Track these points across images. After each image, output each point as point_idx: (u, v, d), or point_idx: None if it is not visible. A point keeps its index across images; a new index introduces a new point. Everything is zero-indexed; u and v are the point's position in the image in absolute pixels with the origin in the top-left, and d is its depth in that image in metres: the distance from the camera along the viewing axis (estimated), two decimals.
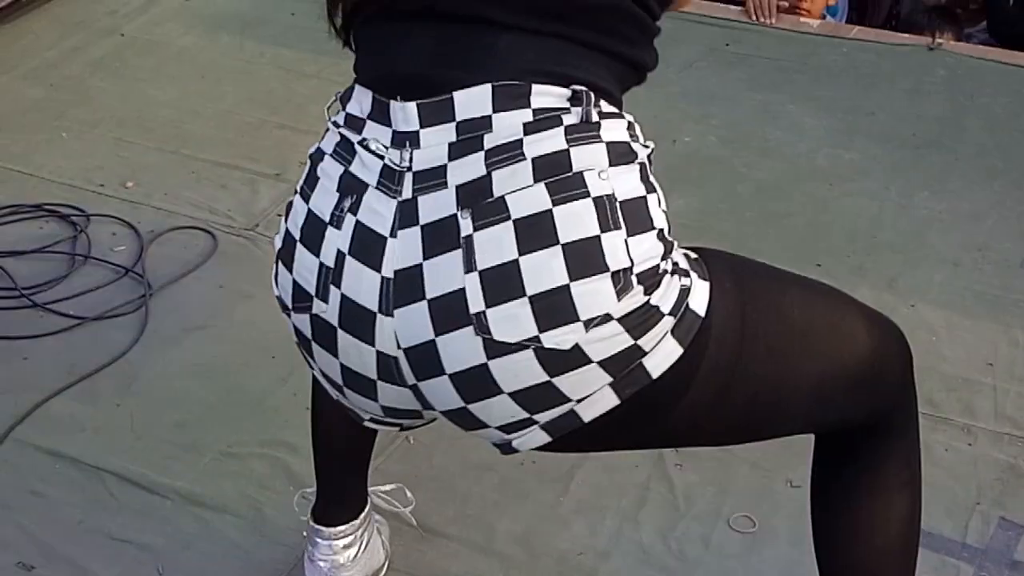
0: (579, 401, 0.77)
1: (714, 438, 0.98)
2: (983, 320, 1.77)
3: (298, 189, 0.89)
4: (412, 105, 0.75)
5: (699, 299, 0.79)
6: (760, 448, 1.42)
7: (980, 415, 1.59)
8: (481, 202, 0.74)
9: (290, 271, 0.85)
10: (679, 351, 0.77)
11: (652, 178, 0.81)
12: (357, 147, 0.81)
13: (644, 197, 0.78)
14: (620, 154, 0.78)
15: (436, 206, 0.75)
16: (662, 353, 0.76)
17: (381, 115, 0.79)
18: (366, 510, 1.27)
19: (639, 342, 0.75)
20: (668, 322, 0.76)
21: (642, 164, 0.80)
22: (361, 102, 0.82)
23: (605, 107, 0.79)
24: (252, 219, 2.02)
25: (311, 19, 2.37)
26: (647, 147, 0.81)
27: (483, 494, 1.47)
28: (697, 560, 1.36)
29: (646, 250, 0.75)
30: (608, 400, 0.77)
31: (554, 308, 0.74)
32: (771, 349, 0.86)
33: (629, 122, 0.81)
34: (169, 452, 1.54)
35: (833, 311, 0.94)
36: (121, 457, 1.51)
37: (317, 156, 0.87)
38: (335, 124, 0.86)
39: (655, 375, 0.76)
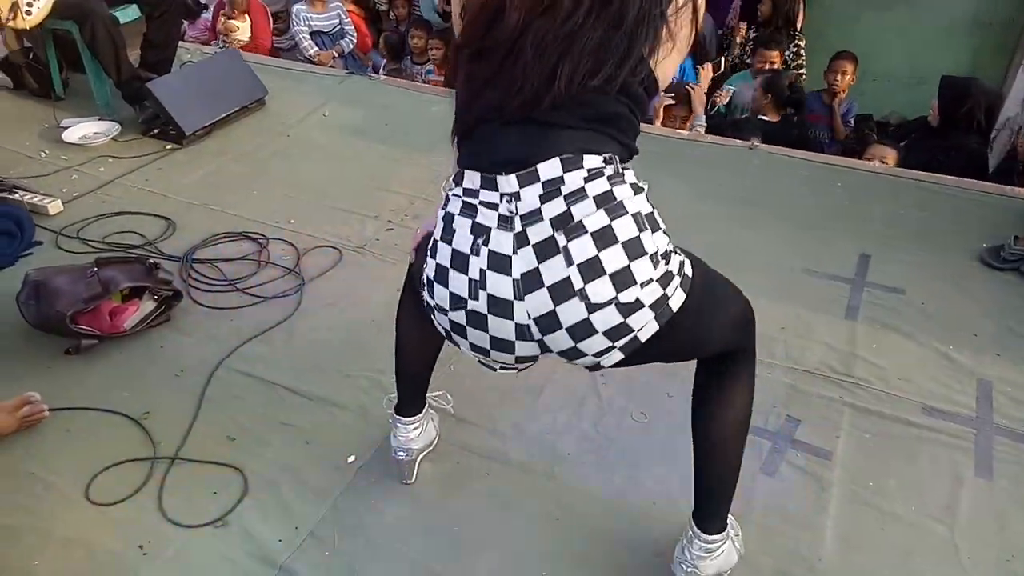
0: (639, 330, 1.04)
1: (691, 352, 1.21)
2: (778, 302, 2.17)
3: (438, 238, 1.09)
4: (513, 176, 1.01)
5: (688, 268, 1.08)
6: (649, 375, 1.86)
7: (776, 357, 2.00)
8: (568, 225, 1.00)
9: (446, 287, 1.08)
10: (683, 295, 1.06)
11: (651, 200, 1.07)
12: (479, 206, 1.04)
13: (653, 211, 1.05)
14: (636, 189, 1.04)
15: (539, 232, 1.00)
16: (677, 296, 1.05)
17: (489, 184, 1.03)
18: (425, 407, 1.60)
19: (666, 291, 1.03)
20: (677, 279, 1.05)
21: (646, 194, 1.06)
22: (472, 180, 1.05)
23: (622, 166, 1.04)
24: (362, 242, 2.48)
25: (396, 129, 3.15)
26: (644, 186, 1.07)
27: (491, 400, 1.84)
28: (613, 437, 1.76)
29: (662, 241, 1.04)
30: (652, 326, 1.04)
31: (623, 279, 1.00)
32: (712, 298, 1.16)
33: (635, 176, 1.07)
34: (312, 374, 1.93)
35: (728, 283, 1.23)
36: (285, 376, 1.91)
37: (448, 217, 1.09)
38: (455, 195, 1.08)
39: (675, 308, 1.05)
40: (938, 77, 3.79)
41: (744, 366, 1.28)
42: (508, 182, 1.01)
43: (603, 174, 1.01)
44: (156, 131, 3.15)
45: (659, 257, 1.02)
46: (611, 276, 1.00)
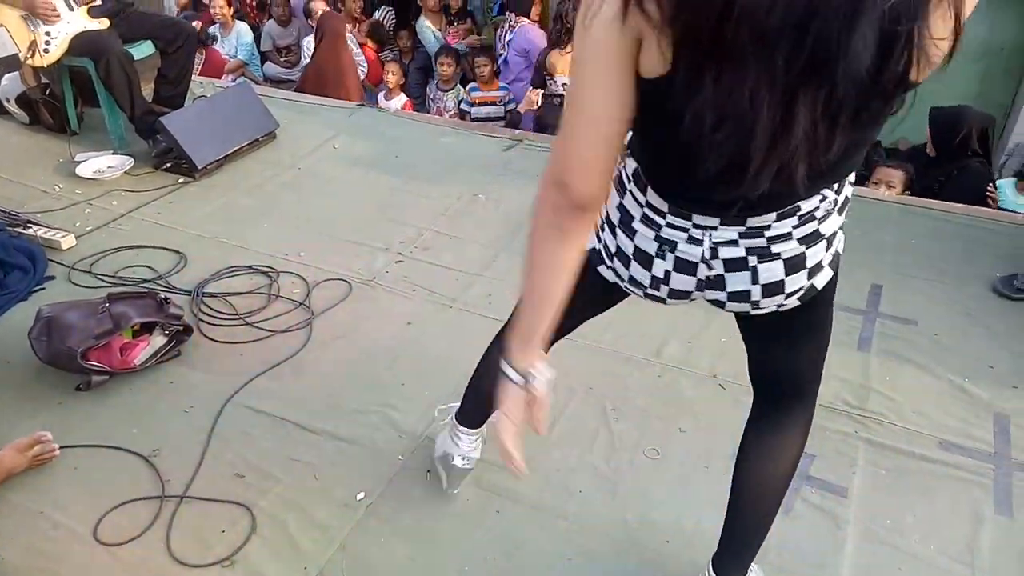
0: (786, 306, 1.05)
1: (802, 337, 1.17)
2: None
3: (616, 223, 1.08)
4: (716, 218, 0.98)
5: (841, 243, 1.07)
6: (661, 409, 1.87)
7: None
8: (764, 252, 0.99)
9: (627, 268, 1.09)
10: (831, 273, 1.06)
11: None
12: (664, 226, 1.02)
13: (843, 222, 1.03)
14: (843, 207, 1.02)
15: (731, 253, 0.99)
16: (823, 276, 1.05)
17: (680, 216, 1.00)
18: (485, 423, 1.57)
19: (813, 280, 1.04)
20: (829, 259, 1.04)
21: (849, 205, 1.03)
22: (660, 203, 1.01)
23: (837, 185, 0.98)
24: (372, 275, 2.49)
25: (406, 160, 3.19)
26: (852, 183, 1.03)
27: None
28: (625, 473, 1.74)
29: (838, 236, 1.04)
30: (795, 302, 1.05)
31: (796, 290, 1.03)
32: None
33: (851, 182, 1.02)
34: (322, 409, 1.92)
35: None
36: (294, 412, 1.91)
37: (627, 215, 1.06)
38: (636, 200, 1.04)
39: (819, 287, 1.05)
40: (949, 102, 3.79)
41: (802, 415, 1.25)
42: (706, 219, 0.99)
43: (815, 218, 0.97)
44: (168, 165, 3.19)
45: (831, 255, 1.04)
46: (787, 292, 1.03)
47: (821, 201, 0.96)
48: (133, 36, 3.32)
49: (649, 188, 1.01)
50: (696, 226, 0.99)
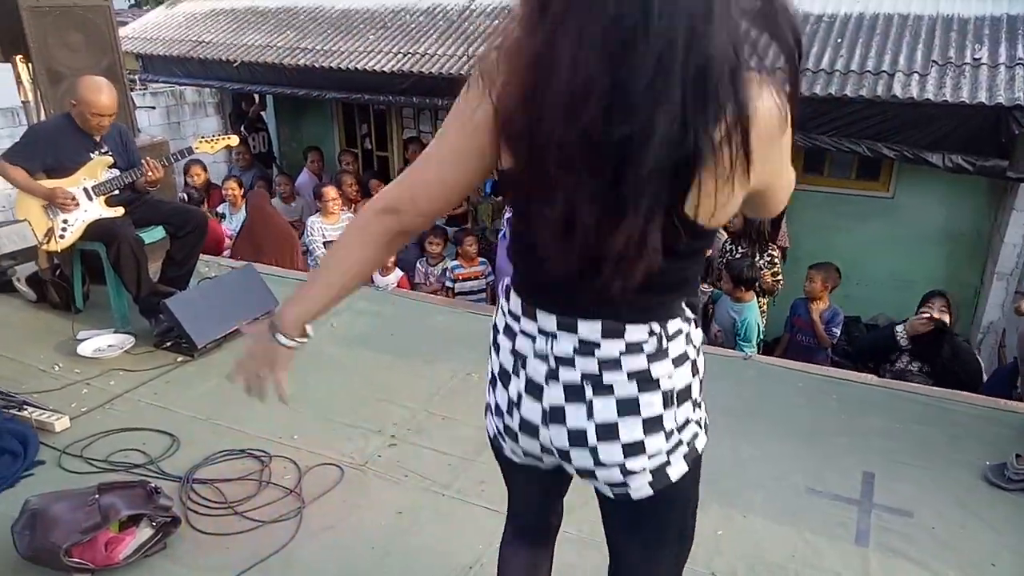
0: (635, 489, 1.08)
1: (652, 538, 1.16)
2: (786, 526, 2.15)
3: (490, 346, 1.15)
4: (553, 318, 1.03)
5: (701, 443, 1.11)
6: None
7: None
8: (597, 382, 1.03)
9: (494, 393, 1.15)
10: (686, 468, 1.08)
11: (699, 363, 1.08)
12: (518, 333, 1.08)
13: (690, 384, 1.06)
14: (679, 360, 1.04)
15: (569, 376, 1.04)
16: (678, 467, 1.08)
17: (529, 315, 1.06)
18: None
19: (669, 458, 1.07)
20: (684, 450, 1.08)
21: (692, 361, 1.06)
22: (516, 303, 1.09)
23: (671, 329, 1.02)
24: (364, 459, 2.50)
25: (402, 339, 3.29)
26: (696, 347, 1.07)
27: None
28: None
29: (685, 413, 1.06)
30: (647, 490, 1.08)
31: (634, 449, 1.04)
32: (695, 493, 1.15)
33: (687, 333, 1.05)
34: None
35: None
36: None
37: (495, 330, 1.13)
38: (503, 311, 1.12)
39: (673, 479, 1.08)
40: (919, 281, 3.97)
41: None
42: (547, 320, 1.04)
43: (642, 350, 1.01)
44: (169, 344, 3.25)
45: (676, 430, 1.05)
46: (624, 445, 1.04)
47: (649, 335, 1.01)
48: (146, 221, 3.50)
49: (512, 293, 1.10)
50: (541, 332, 1.04)
